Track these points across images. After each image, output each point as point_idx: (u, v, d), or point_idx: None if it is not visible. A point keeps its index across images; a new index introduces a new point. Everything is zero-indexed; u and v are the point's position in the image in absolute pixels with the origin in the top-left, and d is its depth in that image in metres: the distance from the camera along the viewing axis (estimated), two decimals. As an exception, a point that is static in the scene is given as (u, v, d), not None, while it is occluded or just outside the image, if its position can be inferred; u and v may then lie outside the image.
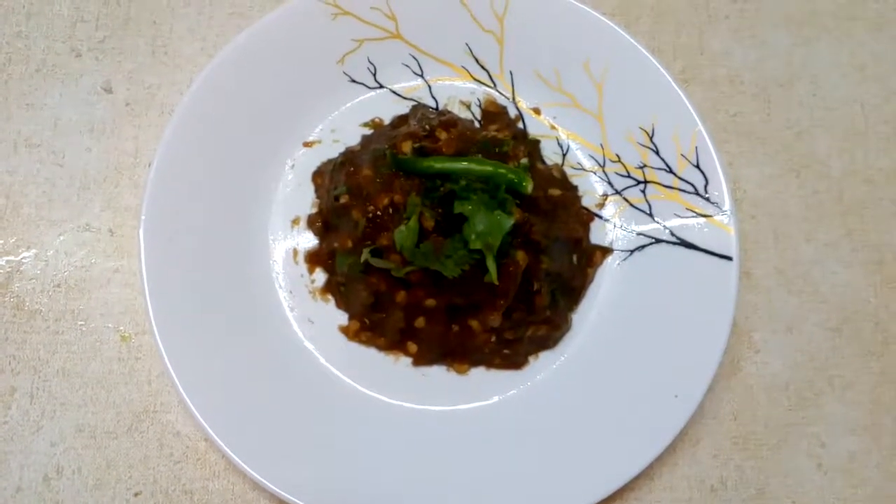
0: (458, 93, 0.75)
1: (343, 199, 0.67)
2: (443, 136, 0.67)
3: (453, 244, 0.61)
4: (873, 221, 0.76)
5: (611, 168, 0.73)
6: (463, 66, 0.75)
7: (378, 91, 0.75)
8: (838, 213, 0.76)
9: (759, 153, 0.77)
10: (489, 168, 0.64)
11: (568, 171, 0.74)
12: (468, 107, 0.75)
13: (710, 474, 0.69)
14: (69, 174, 0.73)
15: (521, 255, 0.64)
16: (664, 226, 0.71)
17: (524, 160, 0.67)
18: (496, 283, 0.62)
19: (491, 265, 0.61)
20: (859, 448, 0.70)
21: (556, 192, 0.70)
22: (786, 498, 0.69)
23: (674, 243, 0.70)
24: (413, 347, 0.68)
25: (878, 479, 0.70)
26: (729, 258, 0.68)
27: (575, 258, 0.70)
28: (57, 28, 0.76)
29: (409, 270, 0.63)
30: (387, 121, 0.74)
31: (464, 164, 0.64)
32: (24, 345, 0.69)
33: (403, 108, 0.74)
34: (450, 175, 0.64)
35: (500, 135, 0.69)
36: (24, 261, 0.71)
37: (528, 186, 0.64)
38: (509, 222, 0.61)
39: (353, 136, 0.73)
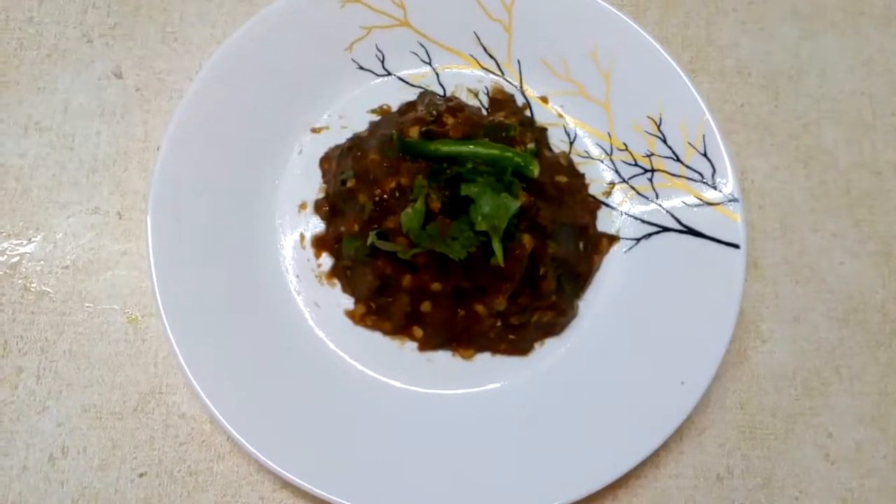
0: (466, 81, 0.75)
1: (350, 183, 0.67)
2: (450, 120, 0.68)
3: (459, 226, 0.61)
4: (881, 213, 0.76)
5: (618, 156, 0.73)
6: (471, 55, 0.75)
7: (386, 78, 0.75)
8: (845, 204, 0.76)
9: (767, 144, 0.77)
10: (496, 151, 0.64)
11: (575, 158, 0.74)
12: (476, 95, 0.75)
13: (717, 463, 0.69)
14: (78, 158, 0.73)
15: (527, 239, 0.64)
16: (671, 214, 0.71)
17: (531, 145, 0.67)
18: (502, 265, 0.62)
19: (497, 247, 0.61)
20: (866, 438, 0.70)
21: (562, 178, 0.70)
22: (792, 488, 0.69)
23: (681, 231, 0.70)
24: (419, 332, 0.68)
25: (886, 469, 0.69)
26: (736, 246, 0.68)
27: (581, 245, 0.70)
28: (68, 14, 0.77)
29: (415, 253, 0.63)
30: (394, 107, 0.74)
31: (470, 148, 0.64)
32: (32, 326, 0.69)
33: (411, 95, 0.74)
34: (456, 158, 0.64)
35: (507, 120, 0.69)
36: (32, 243, 0.71)
37: (535, 170, 0.64)
38: (515, 205, 0.61)
39: (360, 123, 0.74)
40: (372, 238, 0.64)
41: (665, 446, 0.65)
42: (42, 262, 0.71)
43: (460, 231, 0.61)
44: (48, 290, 0.70)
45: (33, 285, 0.70)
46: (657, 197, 0.72)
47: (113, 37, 0.77)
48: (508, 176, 0.62)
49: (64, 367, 0.68)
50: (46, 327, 0.69)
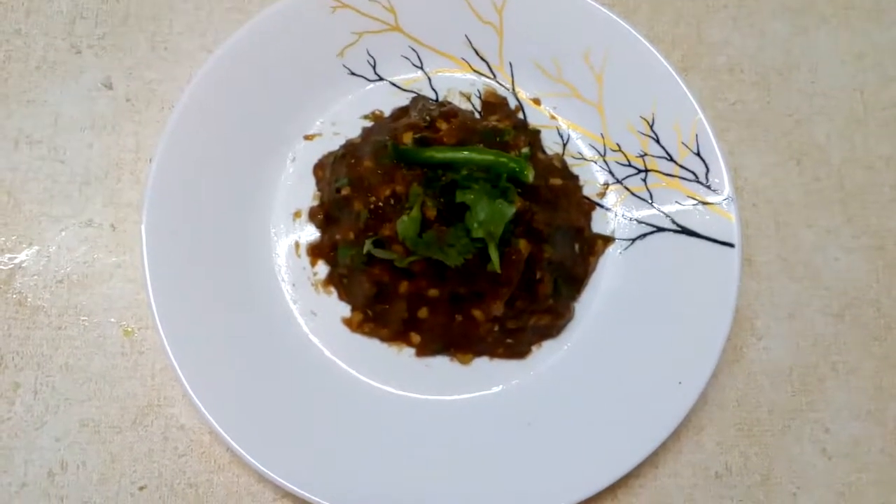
0: (458, 84, 0.75)
1: (345, 191, 0.67)
2: (443, 126, 0.67)
3: (456, 233, 0.61)
4: (874, 207, 0.76)
5: (611, 157, 0.73)
6: (462, 58, 0.75)
7: (378, 83, 0.75)
8: (839, 199, 0.76)
9: (760, 141, 0.77)
10: (490, 157, 0.64)
11: (569, 160, 0.74)
12: (468, 98, 0.75)
13: (715, 461, 0.69)
14: (70, 170, 0.73)
15: (523, 244, 0.64)
16: (665, 214, 0.71)
17: (525, 149, 0.67)
18: (499, 271, 0.62)
19: (493, 254, 0.61)
20: (863, 433, 0.71)
21: (557, 181, 0.70)
22: (790, 484, 0.69)
23: (675, 231, 0.70)
24: (416, 338, 0.68)
25: (883, 463, 0.70)
26: (731, 245, 0.68)
27: (577, 247, 0.70)
28: (56, 25, 0.76)
29: (411, 260, 0.63)
30: (387, 113, 0.74)
31: (465, 154, 0.64)
32: (28, 341, 0.69)
33: (403, 100, 0.74)
34: (451, 165, 0.64)
35: (501, 124, 0.69)
36: (26, 257, 0.71)
37: (530, 175, 0.64)
38: (511, 211, 0.61)
39: (353, 129, 0.73)
40: (368, 246, 0.64)
41: (663, 445, 0.65)
42: (36, 277, 0.70)
43: (457, 238, 0.61)
44: (43, 304, 0.70)
45: (28, 300, 0.70)
46: (651, 197, 0.72)
47: (102, 47, 0.76)
48: (503, 182, 0.62)
49: (61, 381, 0.68)
50: (42, 342, 0.69)
